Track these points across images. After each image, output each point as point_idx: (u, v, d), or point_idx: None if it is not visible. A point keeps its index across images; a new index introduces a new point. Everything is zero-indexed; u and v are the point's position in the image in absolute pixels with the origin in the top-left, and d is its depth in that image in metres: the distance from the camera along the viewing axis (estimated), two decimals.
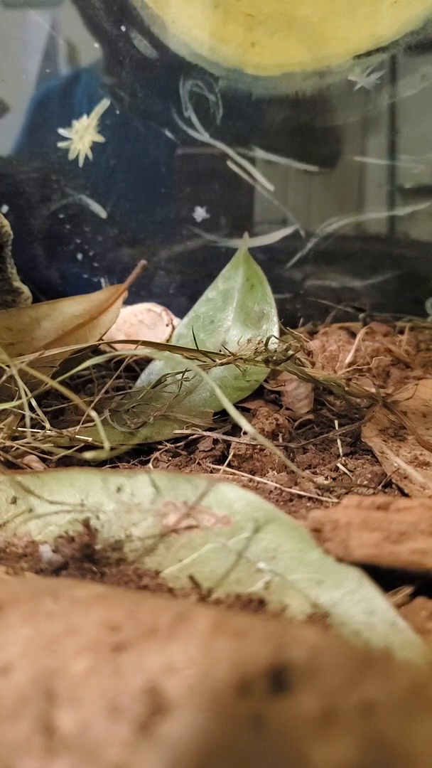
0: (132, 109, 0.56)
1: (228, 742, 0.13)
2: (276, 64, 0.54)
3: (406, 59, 0.53)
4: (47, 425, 0.36)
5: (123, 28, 0.54)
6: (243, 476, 0.35)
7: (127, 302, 0.56)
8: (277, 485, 0.34)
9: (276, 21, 0.52)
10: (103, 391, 0.41)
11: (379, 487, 0.34)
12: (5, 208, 0.60)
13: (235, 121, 0.56)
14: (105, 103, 0.56)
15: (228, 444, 0.38)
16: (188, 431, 0.39)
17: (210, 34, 0.53)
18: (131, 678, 0.15)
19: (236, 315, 0.50)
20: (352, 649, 0.15)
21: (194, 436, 0.39)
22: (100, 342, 0.45)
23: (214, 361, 0.42)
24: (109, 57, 0.55)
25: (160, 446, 0.39)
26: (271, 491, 0.33)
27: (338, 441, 0.39)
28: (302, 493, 0.33)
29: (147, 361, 0.48)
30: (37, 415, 0.36)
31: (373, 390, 0.41)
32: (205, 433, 0.38)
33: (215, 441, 0.38)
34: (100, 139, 0.57)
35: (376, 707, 0.13)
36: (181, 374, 0.43)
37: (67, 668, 0.16)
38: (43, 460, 0.35)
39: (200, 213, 0.58)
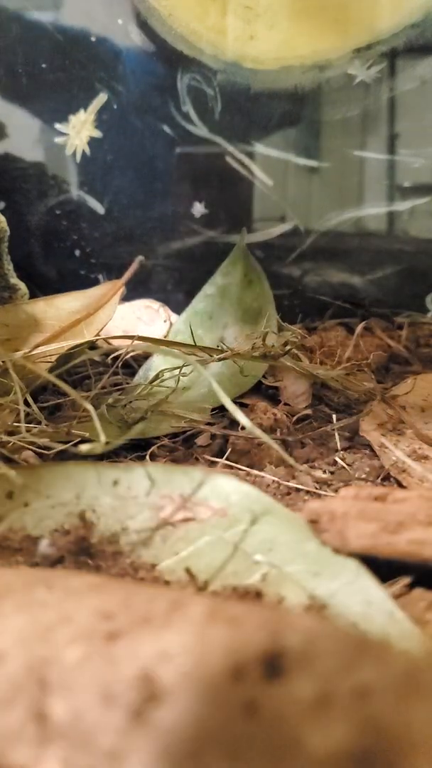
0: (129, 103, 0.56)
1: (222, 728, 0.13)
2: (275, 58, 0.53)
3: (407, 52, 0.52)
4: (43, 420, 0.36)
5: (120, 21, 0.54)
6: (241, 470, 0.35)
7: (125, 299, 0.56)
8: (275, 479, 0.33)
9: (275, 14, 0.52)
10: (100, 386, 0.41)
11: (378, 480, 0.34)
12: (1, 204, 0.59)
13: (234, 115, 0.55)
14: (102, 98, 0.56)
15: (226, 439, 0.38)
16: (186, 426, 0.39)
17: (208, 27, 0.53)
18: (125, 665, 0.15)
19: (234, 311, 0.50)
20: (348, 634, 0.15)
21: (192, 431, 0.39)
22: (97, 338, 0.44)
23: (212, 356, 0.41)
24: (106, 51, 0.55)
25: (157, 441, 0.38)
26: (268, 485, 0.33)
27: (336, 435, 0.38)
28: (300, 486, 0.33)
29: (145, 357, 0.48)
30: (33, 410, 0.36)
31: (372, 385, 0.40)
32: (203, 427, 0.38)
33: (213, 436, 0.38)
34: (97, 134, 0.57)
35: (372, 692, 0.13)
36: (179, 370, 0.43)
37: (60, 656, 0.16)
38: (40, 455, 0.35)
39: (198, 209, 0.58)
